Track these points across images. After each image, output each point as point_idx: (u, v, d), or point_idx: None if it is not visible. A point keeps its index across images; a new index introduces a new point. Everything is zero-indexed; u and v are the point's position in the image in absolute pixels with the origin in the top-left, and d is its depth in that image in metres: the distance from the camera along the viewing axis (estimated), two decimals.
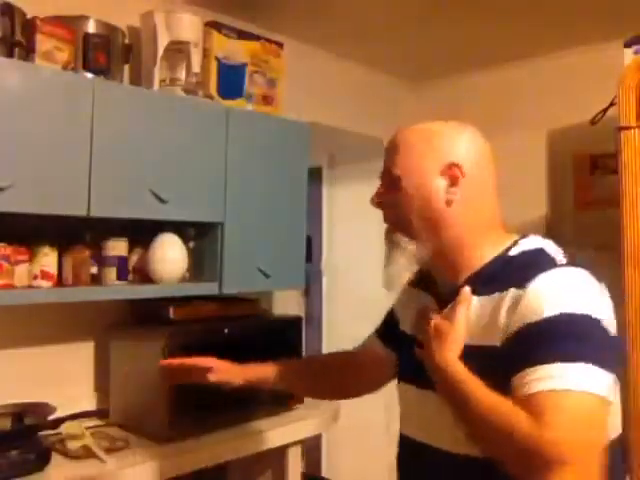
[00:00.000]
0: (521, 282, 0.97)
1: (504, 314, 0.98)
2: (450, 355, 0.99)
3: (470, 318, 1.03)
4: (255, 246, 2.17)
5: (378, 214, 1.20)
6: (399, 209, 1.10)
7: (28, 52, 1.75)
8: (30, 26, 1.76)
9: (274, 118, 2.34)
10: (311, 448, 3.51)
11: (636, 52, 1.93)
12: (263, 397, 2.09)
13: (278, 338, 2.18)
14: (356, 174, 3.75)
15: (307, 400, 2.24)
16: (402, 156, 1.12)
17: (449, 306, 1.06)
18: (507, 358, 0.94)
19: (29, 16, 1.80)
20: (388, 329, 1.33)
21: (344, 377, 1.41)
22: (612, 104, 1.84)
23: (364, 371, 1.38)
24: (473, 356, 0.99)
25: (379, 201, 1.14)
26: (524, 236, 1.11)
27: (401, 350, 1.23)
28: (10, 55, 1.71)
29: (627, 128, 1.72)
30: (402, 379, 1.21)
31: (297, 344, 2.24)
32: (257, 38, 2.36)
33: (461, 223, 1.08)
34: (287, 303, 2.71)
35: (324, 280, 3.93)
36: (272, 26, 2.62)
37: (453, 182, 1.07)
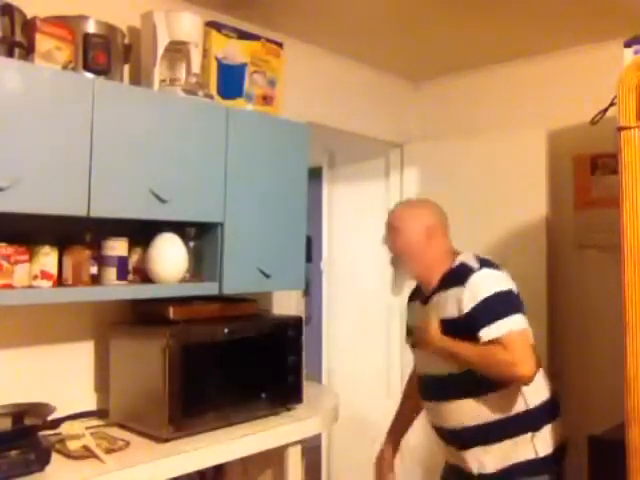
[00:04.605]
0: (460, 282, 1.79)
1: (455, 300, 1.78)
2: (435, 338, 1.78)
3: (440, 303, 1.84)
4: (255, 246, 2.17)
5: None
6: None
7: (28, 52, 1.75)
8: (30, 26, 1.76)
9: (274, 118, 2.34)
10: (311, 448, 3.51)
11: (636, 52, 1.93)
12: (263, 397, 2.09)
13: (278, 338, 2.18)
14: (356, 174, 3.75)
15: (307, 400, 2.25)
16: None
17: (429, 301, 1.90)
18: (467, 323, 1.74)
19: (29, 16, 1.80)
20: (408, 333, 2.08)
21: None
22: (612, 104, 1.84)
23: None
24: (445, 323, 1.79)
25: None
26: (459, 253, 1.90)
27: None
28: (10, 55, 1.71)
29: (627, 128, 1.72)
30: (414, 346, 2.00)
31: (297, 344, 2.24)
32: (257, 38, 2.36)
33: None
34: (287, 303, 2.71)
35: (324, 280, 3.93)
36: (272, 25, 2.63)
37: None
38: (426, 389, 1.96)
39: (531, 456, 1.80)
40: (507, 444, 1.79)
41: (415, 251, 1.90)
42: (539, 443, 1.80)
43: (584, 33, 2.76)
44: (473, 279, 1.78)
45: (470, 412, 1.81)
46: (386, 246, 1.96)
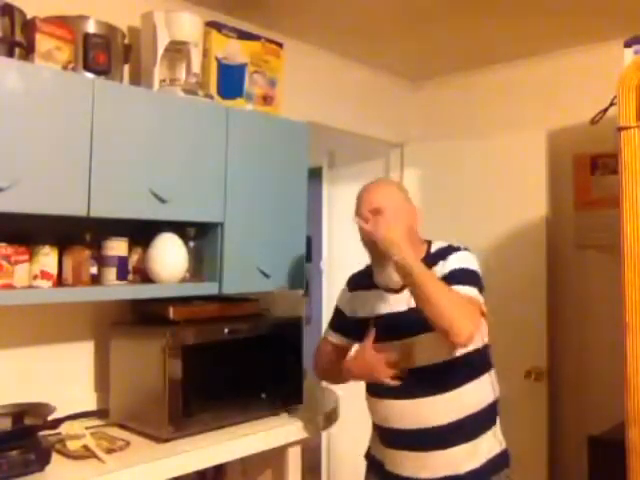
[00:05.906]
0: (444, 257, 1.77)
1: (440, 270, 1.74)
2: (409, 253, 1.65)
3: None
4: (255, 246, 2.18)
5: None
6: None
7: (28, 52, 1.75)
8: (30, 26, 1.76)
9: (274, 118, 2.34)
10: (311, 448, 3.51)
11: (636, 52, 1.93)
12: (263, 398, 2.09)
13: (278, 338, 2.18)
14: (356, 174, 3.74)
15: (307, 400, 2.24)
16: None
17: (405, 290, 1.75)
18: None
19: (29, 16, 1.80)
20: (342, 324, 1.95)
21: None
22: (612, 104, 1.84)
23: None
24: None
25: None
26: (430, 241, 1.87)
27: (355, 329, 1.87)
28: (10, 55, 1.71)
29: (627, 128, 1.72)
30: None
31: (297, 344, 2.24)
32: (257, 38, 2.36)
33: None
34: (287, 303, 2.71)
35: (324, 280, 3.93)
36: (272, 26, 2.63)
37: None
38: (390, 387, 1.75)
39: (498, 449, 1.76)
40: (483, 438, 1.73)
41: (409, 236, 1.75)
42: (500, 434, 1.80)
43: (584, 33, 2.76)
44: (458, 254, 1.77)
45: (446, 407, 1.70)
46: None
